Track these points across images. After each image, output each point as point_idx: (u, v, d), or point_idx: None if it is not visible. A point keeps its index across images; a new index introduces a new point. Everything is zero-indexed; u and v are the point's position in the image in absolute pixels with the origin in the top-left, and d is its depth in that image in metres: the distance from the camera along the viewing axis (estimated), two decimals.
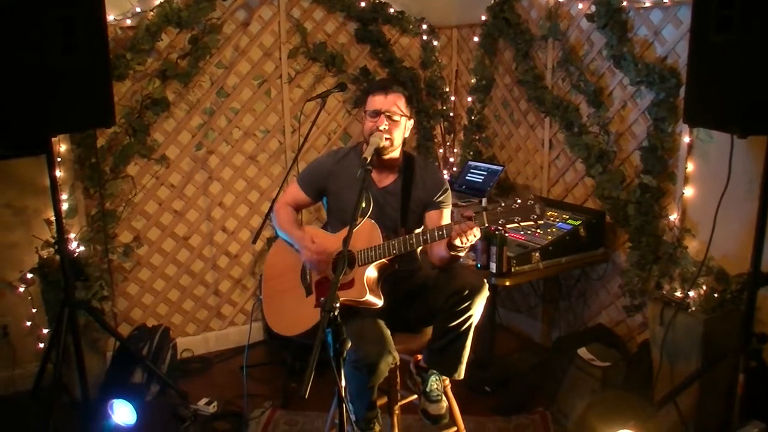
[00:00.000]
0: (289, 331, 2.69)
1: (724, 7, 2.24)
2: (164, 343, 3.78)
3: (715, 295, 2.92)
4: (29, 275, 3.46)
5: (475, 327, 2.68)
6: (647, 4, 3.34)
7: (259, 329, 4.34)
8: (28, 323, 3.59)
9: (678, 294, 3.04)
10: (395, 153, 2.73)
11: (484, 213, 2.34)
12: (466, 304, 2.56)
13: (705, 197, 3.15)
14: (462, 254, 2.55)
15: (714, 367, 2.71)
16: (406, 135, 2.76)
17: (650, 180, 3.37)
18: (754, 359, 2.51)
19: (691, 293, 2.96)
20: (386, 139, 2.63)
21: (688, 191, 3.25)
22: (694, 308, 2.93)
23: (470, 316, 2.59)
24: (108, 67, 2.96)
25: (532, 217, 2.30)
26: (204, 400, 3.52)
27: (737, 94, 2.21)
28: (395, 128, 2.66)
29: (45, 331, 3.51)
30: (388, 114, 2.65)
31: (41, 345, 3.50)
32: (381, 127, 2.62)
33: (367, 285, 2.51)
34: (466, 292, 2.55)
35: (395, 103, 2.67)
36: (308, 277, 2.73)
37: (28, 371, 3.56)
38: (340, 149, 2.94)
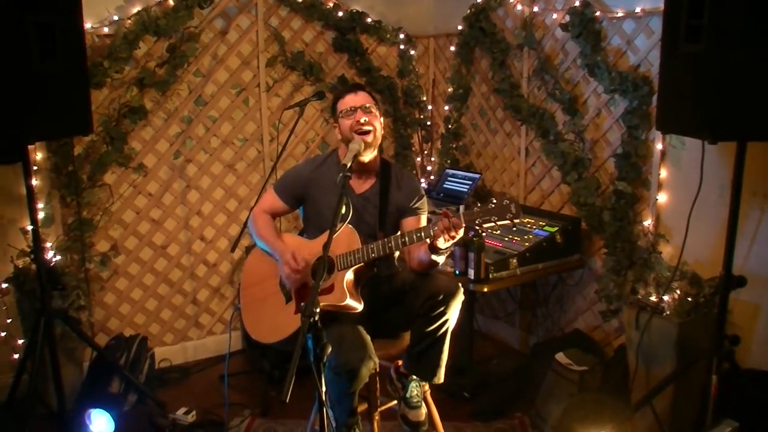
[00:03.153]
0: (270, 338, 2.68)
1: (693, 18, 2.30)
2: (142, 352, 3.76)
3: (689, 299, 2.97)
4: (4, 285, 3.41)
5: (453, 332, 2.70)
6: (620, 14, 3.41)
7: (238, 338, 4.33)
8: (3, 333, 3.53)
9: (653, 299, 3.09)
10: (374, 153, 2.77)
11: (462, 214, 2.37)
12: (441, 309, 2.58)
13: (678, 203, 3.21)
14: (441, 259, 2.58)
15: (688, 370, 2.76)
16: (382, 132, 2.79)
17: (625, 186, 3.42)
18: (726, 361, 2.56)
19: (666, 297, 3.01)
20: (368, 132, 2.66)
21: (662, 197, 3.31)
22: (668, 312, 2.98)
23: (446, 321, 2.62)
24: (85, 75, 2.96)
25: (508, 216, 2.33)
26: (182, 410, 3.49)
27: (707, 102, 2.26)
28: (374, 120, 2.71)
29: (20, 341, 3.46)
30: (364, 108, 2.69)
31: (16, 356, 3.45)
32: (361, 120, 2.66)
33: (346, 289, 2.52)
34: (441, 296, 2.58)
35: (366, 98, 2.74)
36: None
37: (2, 382, 3.49)
38: (317, 156, 2.96)
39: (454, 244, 2.51)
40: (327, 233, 2.15)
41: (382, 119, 2.80)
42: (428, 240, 2.47)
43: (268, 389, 3.67)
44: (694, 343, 2.84)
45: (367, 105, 2.71)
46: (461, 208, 2.44)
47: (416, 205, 2.83)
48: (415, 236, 2.47)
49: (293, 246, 2.75)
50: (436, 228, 2.40)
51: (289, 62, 4.29)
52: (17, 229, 3.46)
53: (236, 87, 4.21)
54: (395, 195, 2.81)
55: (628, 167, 3.41)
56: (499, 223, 2.35)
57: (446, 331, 2.66)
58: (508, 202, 2.34)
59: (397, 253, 2.87)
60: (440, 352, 2.69)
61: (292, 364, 1.71)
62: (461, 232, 2.40)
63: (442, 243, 2.43)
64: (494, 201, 2.36)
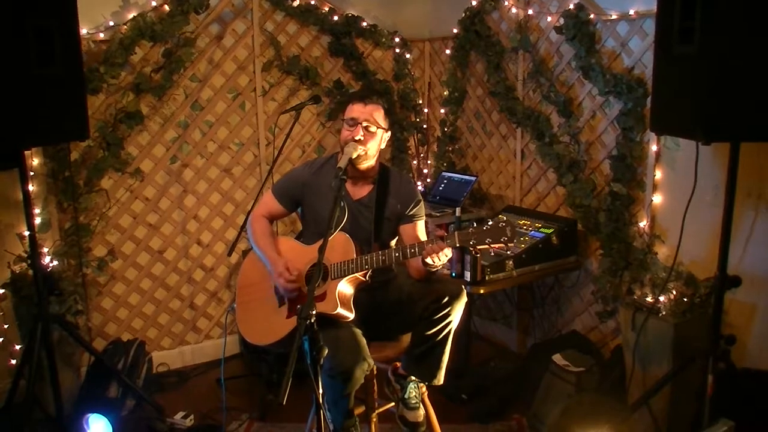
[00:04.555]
0: (261, 340, 2.69)
1: (685, 19, 2.31)
2: (139, 357, 3.75)
3: (685, 299, 2.98)
4: (1, 290, 3.41)
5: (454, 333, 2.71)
6: (614, 17, 3.43)
7: (235, 342, 4.33)
8: (0, 339, 3.53)
9: (649, 299, 3.10)
10: (370, 162, 2.76)
11: (456, 234, 2.40)
12: (445, 311, 2.59)
13: (673, 204, 3.23)
14: (436, 270, 2.59)
15: (684, 370, 2.76)
16: (382, 146, 2.79)
17: (620, 188, 3.43)
18: (722, 361, 2.57)
19: (662, 298, 3.03)
20: (361, 149, 2.65)
21: (657, 198, 3.32)
22: (664, 313, 2.99)
23: (449, 323, 2.63)
24: (82, 80, 2.96)
25: (502, 239, 2.36)
26: (180, 414, 3.49)
27: (700, 103, 2.27)
28: (370, 139, 2.68)
29: (17, 347, 3.46)
30: (365, 124, 2.67)
31: (13, 361, 3.45)
32: (357, 137, 2.64)
33: (338, 299, 2.53)
34: (445, 299, 2.59)
35: (372, 114, 2.70)
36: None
37: (0, 388, 3.50)
38: (315, 160, 2.94)
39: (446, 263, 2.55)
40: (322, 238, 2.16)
41: (387, 134, 2.79)
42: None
43: (266, 393, 3.67)
44: (690, 343, 2.85)
45: (368, 123, 2.67)
46: (458, 211, 2.46)
47: (412, 212, 2.83)
48: (409, 251, 2.49)
49: (288, 252, 2.76)
50: (425, 250, 2.43)
51: (284, 67, 4.30)
52: (14, 235, 3.45)
53: (232, 91, 4.22)
54: (392, 202, 2.81)
55: (623, 169, 3.43)
56: (493, 245, 2.37)
57: (448, 333, 2.67)
58: (504, 224, 2.35)
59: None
60: (442, 354, 2.70)
61: (289, 366, 1.72)
62: (445, 260, 2.46)
63: (429, 261, 2.47)
64: (490, 222, 2.37)
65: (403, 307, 2.72)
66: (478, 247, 2.39)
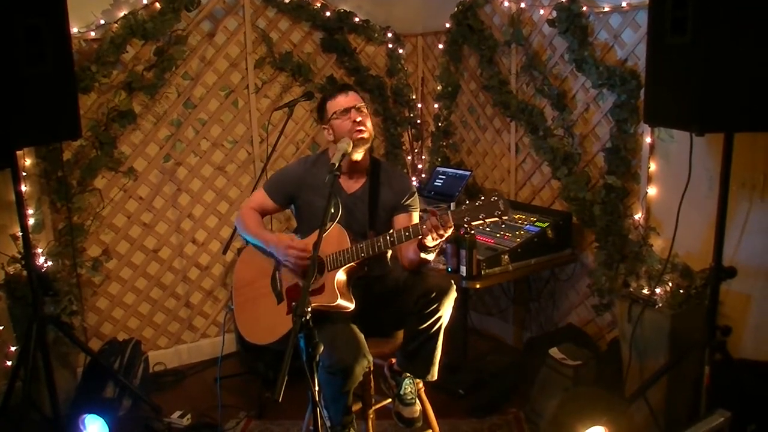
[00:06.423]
0: (263, 340, 2.68)
1: (678, 10, 2.31)
2: (136, 356, 3.73)
3: (681, 291, 2.98)
4: None
5: (447, 329, 2.70)
6: (606, 9, 3.42)
7: (232, 340, 4.32)
8: None
9: (645, 291, 3.09)
10: (368, 145, 2.77)
11: (450, 213, 2.37)
12: (434, 306, 2.58)
13: (668, 196, 3.22)
14: (431, 256, 2.58)
15: (681, 361, 2.77)
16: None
17: (615, 180, 3.43)
18: (718, 351, 2.58)
19: (658, 290, 3.02)
20: (362, 131, 2.67)
21: (652, 190, 3.32)
22: (660, 304, 2.99)
23: (439, 318, 2.62)
24: (73, 79, 2.94)
25: (496, 213, 2.31)
26: (177, 413, 3.49)
27: (694, 93, 2.27)
28: (367, 119, 2.73)
29: (13, 348, 3.44)
30: (357, 106, 2.71)
31: (9, 363, 3.43)
32: (357, 120, 2.67)
33: (337, 289, 2.52)
34: (434, 294, 2.58)
35: (357, 98, 2.76)
36: (279, 284, 2.73)
37: None
38: (308, 157, 2.95)
39: (444, 242, 2.52)
40: (317, 233, 2.15)
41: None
42: (418, 238, 2.47)
43: (263, 391, 3.66)
44: (686, 335, 2.85)
45: (359, 105, 2.73)
46: (452, 205, 2.46)
47: (407, 203, 2.83)
48: (403, 234, 2.47)
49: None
50: (424, 226, 2.40)
51: (277, 63, 4.29)
52: (8, 236, 3.44)
53: (225, 89, 4.20)
54: (386, 193, 2.81)
55: (618, 161, 3.43)
56: (488, 220, 2.34)
57: (439, 328, 2.66)
58: (496, 198, 2.32)
59: (389, 253, 2.87)
60: (434, 349, 2.69)
61: (284, 363, 1.71)
62: (450, 231, 2.40)
63: (430, 241, 2.43)
64: (482, 198, 2.35)
65: (396, 298, 2.71)
66: (473, 223, 2.36)
